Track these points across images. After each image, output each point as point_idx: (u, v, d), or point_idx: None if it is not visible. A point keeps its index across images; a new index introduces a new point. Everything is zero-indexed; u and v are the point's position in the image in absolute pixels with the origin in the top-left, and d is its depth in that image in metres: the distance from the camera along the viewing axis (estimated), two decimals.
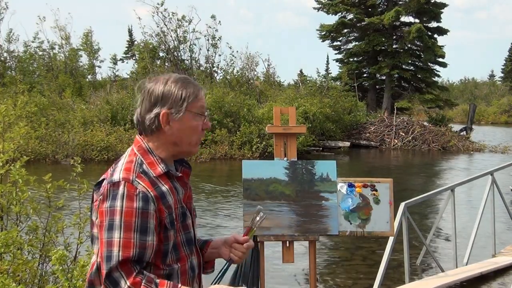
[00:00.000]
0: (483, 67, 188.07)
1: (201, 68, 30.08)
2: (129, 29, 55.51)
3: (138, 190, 1.69)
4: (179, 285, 1.71)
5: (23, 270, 3.75)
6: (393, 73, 33.01)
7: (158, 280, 1.67)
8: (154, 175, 1.77)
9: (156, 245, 1.72)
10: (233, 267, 3.18)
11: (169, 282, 1.69)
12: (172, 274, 1.77)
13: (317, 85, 27.80)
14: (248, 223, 2.10)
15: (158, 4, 27.95)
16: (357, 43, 34.31)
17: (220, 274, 2.06)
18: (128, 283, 1.63)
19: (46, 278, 4.05)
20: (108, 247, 1.66)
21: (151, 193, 1.71)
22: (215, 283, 1.95)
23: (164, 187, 1.77)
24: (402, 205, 5.95)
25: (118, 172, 1.74)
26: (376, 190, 3.43)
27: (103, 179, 1.78)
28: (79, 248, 4.13)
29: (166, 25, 28.41)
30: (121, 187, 1.69)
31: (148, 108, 1.81)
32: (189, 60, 29.51)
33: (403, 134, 25.87)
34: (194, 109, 1.82)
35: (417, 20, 32.78)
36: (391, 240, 5.58)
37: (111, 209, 1.68)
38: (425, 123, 27.60)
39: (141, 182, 1.72)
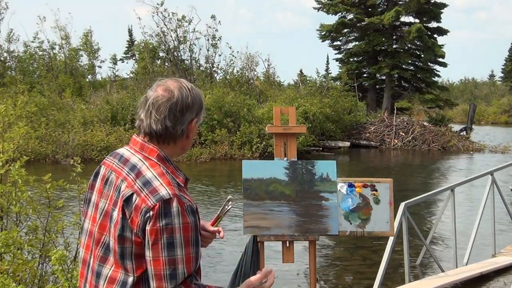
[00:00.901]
0: (483, 67, 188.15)
1: (201, 68, 30.06)
2: (129, 29, 55.52)
3: (186, 205, 1.71)
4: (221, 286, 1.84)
5: (23, 270, 3.75)
6: (393, 73, 33.01)
7: (207, 286, 1.75)
8: (182, 185, 1.80)
9: None
10: (230, 266, 3.17)
11: (215, 286, 1.78)
12: (196, 273, 1.81)
13: (317, 85, 27.80)
14: (220, 213, 2.17)
15: (158, 4, 27.97)
16: (357, 43, 34.31)
17: None
18: None
19: (46, 278, 4.06)
20: (170, 265, 1.67)
21: (194, 205, 1.76)
22: None
23: (189, 194, 1.81)
24: (402, 205, 5.95)
25: (161, 187, 1.70)
26: (376, 190, 3.42)
27: (132, 193, 1.71)
28: (79, 248, 4.13)
29: (166, 25, 28.40)
30: (174, 204, 1.68)
31: (180, 117, 1.80)
32: (189, 60, 29.49)
33: (403, 134, 25.88)
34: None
35: (417, 20, 32.79)
36: (391, 240, 5.58)
37: (168, 227, 1.67)
38: (425, 123, 27.60)
39: (185, 196, 1.74)
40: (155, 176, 1.73)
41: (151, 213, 1.66)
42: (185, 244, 1.68)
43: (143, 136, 1.84)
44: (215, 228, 2.09)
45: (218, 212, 2.14)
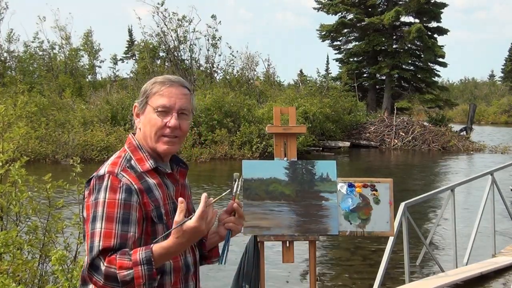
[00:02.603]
0: (483, 67, 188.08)
1: (201, 68, 30.06)
2: (129, 29, 55.42)
3: (122, 183, 1.73)
4: (151, 245, 1.67)
5: (23, 270, 3.75)
6: (393, 73, 33.01)
7: (131, 252, 1.66)
8: (142, 170, 1.81)
9: (139, 237, 1.74)
10: (231, 266, 3.17)
11: (141, 247, 1.67)
12: (164, 270, 1.78)
13: (317, 85, 27.79)
14: (232, 192, 2.08)
15: (158, 4, 27.97)
16: (357, 43, 34.34)
17: (224, 249, 2.02)
18: (105, 263, 1.64)
19: (46, 278, 4.05)
20: (92, 238, 1.68)
21: (135, 185, 1.75)
22: (222, 257, 1.98)
23: (151, 181, 1.80)
24: (402, 205, 5.94)
25: (104, 166, 1.79)
26: (376, 190, 3.42)
27: (94, 176, 1.81)
28: (79, 248, 4.13)
29: (166, 25, 28.41)
30: (105, 180, 1.73)
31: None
32: (189, 60, 29.49)
33: (403, 134, 25.87)
34: (153, 104, 1.86)
35: (417, 20, 32.82)
36: (391, 240, 5.57)
37: (95, 202, 1.71)
38: (425, 123, 27.59)
39: (125, 175, 1.75)
40: (111, 159, 1.83)
41: (89, 190, 1.75)
42: (107, 219, 1.68)
43: None
44: (230, 204, 2.01)
45: (232, 194, 2.05)
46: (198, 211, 1.68)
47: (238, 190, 2.09)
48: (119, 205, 1.70)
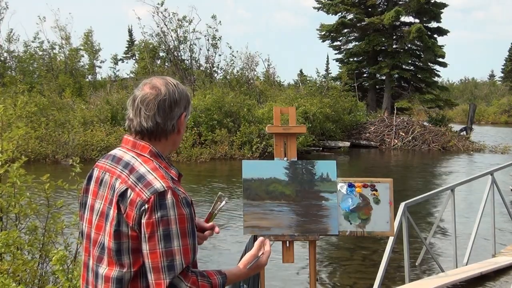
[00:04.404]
0: (483, 67, 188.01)
1: (201, 68, 30.05)
2: (129, 29, 55.48)
3: (180, 197, 1.73)
4: (224, 271, 1.81)
5: (23, 270, 3.75)
6: (393, 73, 33.00)
7: (204, 272, 1.77)
8: (176, 179, 1.82)
9: None
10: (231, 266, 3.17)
11: (213, 271, 1.79)
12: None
13: (317, 85, 27.79)
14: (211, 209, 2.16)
15: (158, 4, 27.96)
16: (357, 43, 34.30)
17: None
18: (189, 284, 1.70)
19: (46, 278, 4.06)
20: (168, 257, 1.68)
21: (189, 197, 1.78)
22: None
23: (183, 188, 1.84)
24: (402, 205, 5.95)
25: (155, 180, 1.72)
26: (376, 190, 3.42)
27: (127, 188, 1.73)
28: (79, 248, 4.13)
29: (166, 25, 28.40)
30: (168, 196, 1.70)
31: (169, 112, 1.83)
32: (189, 60, 29.48)
33: (403, 134, 25.87)
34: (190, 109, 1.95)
35: (417, 20, 32.80)
36: (391, 240, 5.58)
37: (164, 219, 1.68)
38: (425, 123, 27.59)
39: (179, 188, 1.76)
40: (149, 171, 1.76)
41: (146, 206, 1.68)
42: (182, 235, 1.70)
43: (134, 135, 1.86)
44: (210, 224, 2.10)
45: (211, 209, 2.14)
46: (267, 252, 1.94)
47: (218, 210, 2.13)
48: (187, 219, 1.72)
